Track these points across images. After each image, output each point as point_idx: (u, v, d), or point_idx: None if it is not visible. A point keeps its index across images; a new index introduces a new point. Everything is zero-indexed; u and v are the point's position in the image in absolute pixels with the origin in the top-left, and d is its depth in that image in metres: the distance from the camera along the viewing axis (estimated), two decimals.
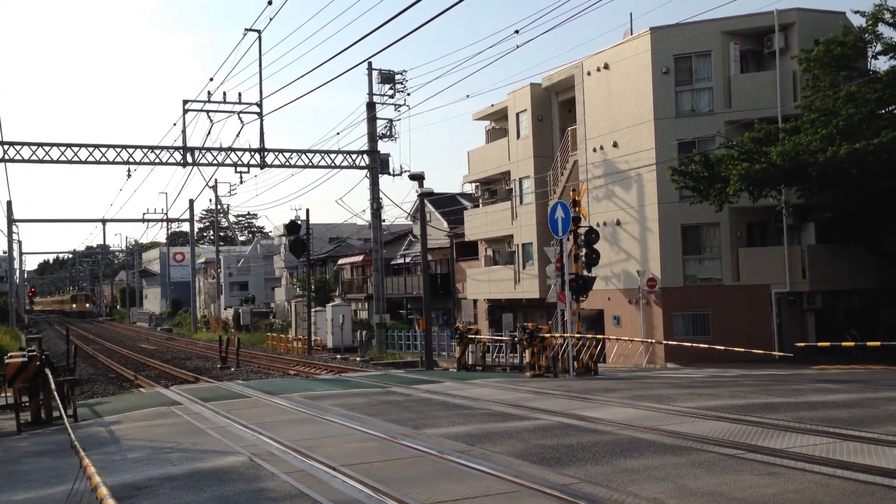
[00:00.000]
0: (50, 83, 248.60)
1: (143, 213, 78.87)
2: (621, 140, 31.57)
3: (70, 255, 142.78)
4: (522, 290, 37.93)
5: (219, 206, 75.48)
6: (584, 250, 22.67)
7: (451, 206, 50.10)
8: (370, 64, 39.76)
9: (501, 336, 30.08)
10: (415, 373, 24.63)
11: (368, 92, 39.92)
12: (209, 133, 68.76)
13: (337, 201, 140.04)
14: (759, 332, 27.55)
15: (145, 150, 37.02)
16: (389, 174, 40.74)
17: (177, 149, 37.35)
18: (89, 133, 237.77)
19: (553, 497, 7.29)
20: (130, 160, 36.80)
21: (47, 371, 14.71)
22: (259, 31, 37.04)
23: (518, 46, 25.95)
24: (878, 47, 25.38)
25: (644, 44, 30.44)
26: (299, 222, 47.01)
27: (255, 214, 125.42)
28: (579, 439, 10.16)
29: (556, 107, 37.27)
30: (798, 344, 22.03)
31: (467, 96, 67.17)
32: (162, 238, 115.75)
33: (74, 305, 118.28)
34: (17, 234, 78.81)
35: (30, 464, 10.96)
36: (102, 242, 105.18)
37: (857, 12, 25.83)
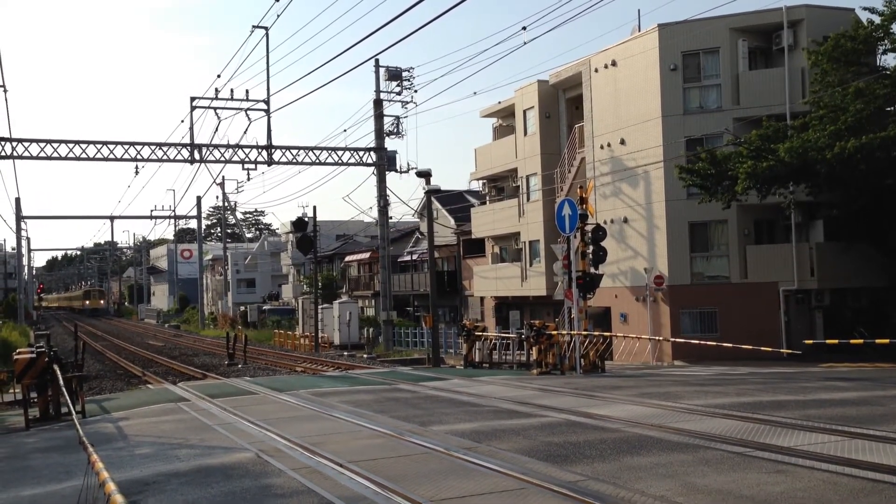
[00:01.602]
0: (58, 81, 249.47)
1: (151, 210, 78.48)
2: (629, 137, 31.50)
3: (78, 252, 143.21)
4: (529, 288, 37.90)
5: (226, 203, 75.69)
6: (591, 248, 22.67)
7: (458, 203, 50.06)
8: (377, 61, 39.74)
9: (508, 333, 30.06)
10: (422, 370, 24.64)
11: (375, 89, 39.93)
12: (217, 130, 69.03)
13: (344, 198, 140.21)
14: (767, 330, 27.48)
15: (153, 147, 37.10)
16: (396, 171, 40.75)
17: (184, 146, 37.42)
18: (97, 130, 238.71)
19: (560, 494, 7.28)
20: (138, 157, 36.89)
21: (55, 367, 14.76)
22: (266, 29, 37.04)
23: (525, 43, 25.93)
24: (888, 44, 25.27)
25: (652, 41, 30.35)
26: (306, 219, 47.05)
27: (263, 211, 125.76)
28: (586, 437, 10.15)
29: (563, 104, 37.22)
30: (806, 342, 21.97)
31: (474, 93, 67.22)
32: (170, 235, 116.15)
33: (87, 302, 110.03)
34: (26, 230, 79.22)
35: (38, 459, 11.00)
36: (110, 239, 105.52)
37: (866, 9, 25.73)
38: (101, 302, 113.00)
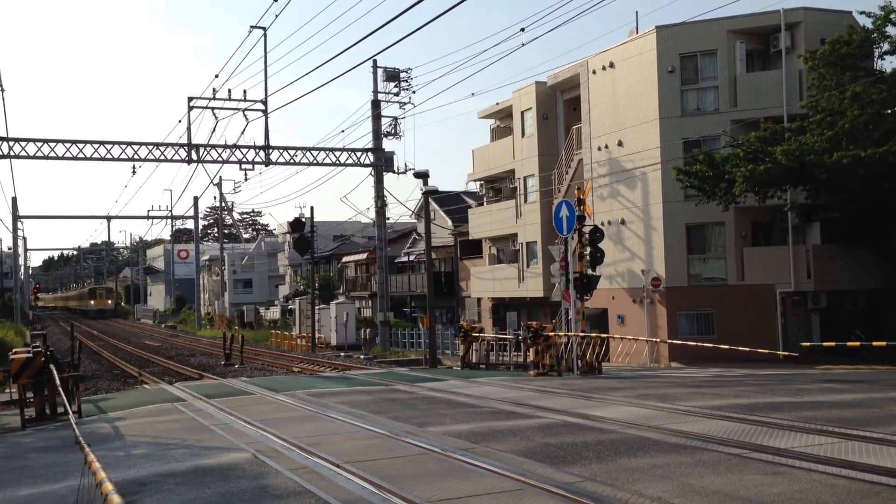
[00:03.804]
0: (55, 80, 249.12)
1: (148, 211, 78.05)
2: (626, 139, 31.52)
3: (75, 252, 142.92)
4: (526, 289, 37.91)
5: (223, 204, 75.59)
6: (588, 249, 22.66)
7: (455, 204, 50.07)
8: (375, 62, 39.74)
9: (505, 334, 30.06)
10: (419, 371, 24.63)
11: (373, 90, 39.90)
12: (214, 130, 68.93)
13: (341, 199, 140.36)
14: (764, 332, 27.51)
15: (150, 147, 37.05)
16: (394, 172, 40.71)
17: (182, 146, 37.37)
18: (94, 130, 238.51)
19: (557, 495, 7.27)
20: (135, 157, 36.83)
21: (52, 367, 14.72)
22: (264, 29, 37.01)
23: (523, 44, 26.08)
24: (886, 47, 25.31)
25: (650, 42, 30.38)
26: (303, 220, 47.02)
27: (260, 212, 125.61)
28: (584, 438, 10.15)
29: (561, 105, 37.24)
30: (803, 344, 22.00)
31: (472, 94, 67.17)
32: (166, 235, 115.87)
33: (93, 302, 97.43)
34: (22, 230, 78.99)
35: (34, 459, 10.97)
36: (107, 239, 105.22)
37: (862, 13, 25.78)
38: (109, 302, 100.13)
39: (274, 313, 65.58)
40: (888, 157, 22.91)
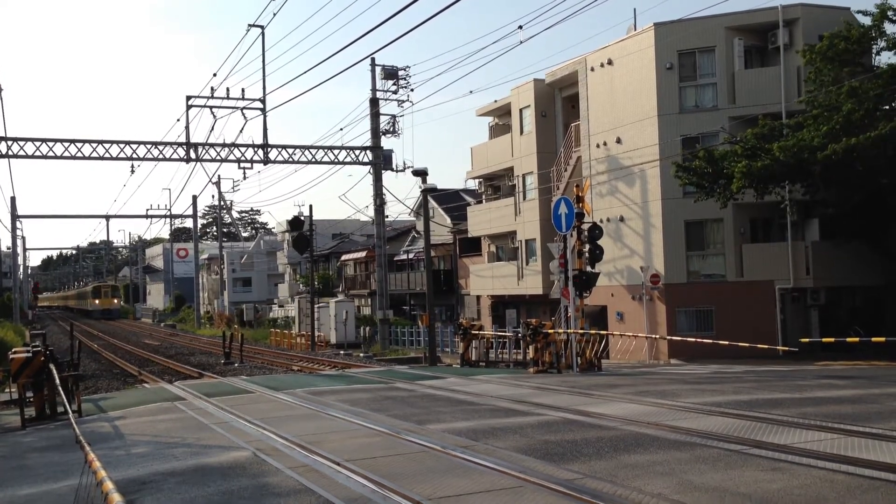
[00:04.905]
0: (53, 79, 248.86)
1: (147, 210, 77.81)
2: (625, 136, 31.53)
3: (73, 251, 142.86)
4: (526, 286, 37.91)
5: (222, 202, 75.57)
6: (587, 246, 22.68)
7: (454, 201, 50.08)
8: (373, 60, 39.78)
9: (505, 332, 30.07)
10: (418, 369, 24.62)
11: (371, 88, 39.91)
12: (212, 129, 68.40)
13: (340, 197, 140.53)
14: (763, 328, 27.54)
15: (149, 146, 37.05)
16: (393, 170, 40.76)
17: (180, 144, 37.37)
18: (93, 129, 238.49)
19: (557, 492, 7.27)
20: (134, 156, 36.85)
21: (51, 366, 14.71)
22: (262, 27, 37.03)
23: (521, 42, 26.27)
24: (882, 44, 25.33)
25: (648, 39, 30.38)
26: (302, 218, 47.00)
27: (259, 210, 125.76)
28: (583, 435, 10.15)
29: (559, 103, 37.24)
30: (802, 340, 22.03)
31: (471, 92, 67.28)
32: (165, 234, 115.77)
33: (97, 301, 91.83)
34: (21, 229, 78.94)
35: (35, 459, 10.97)
36: (106, 238, 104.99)
37: (859, 12, 25.82)
38: (115, 301, 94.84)
39: (289, 311, 65.31)
40: (880, 143, 22.87)
